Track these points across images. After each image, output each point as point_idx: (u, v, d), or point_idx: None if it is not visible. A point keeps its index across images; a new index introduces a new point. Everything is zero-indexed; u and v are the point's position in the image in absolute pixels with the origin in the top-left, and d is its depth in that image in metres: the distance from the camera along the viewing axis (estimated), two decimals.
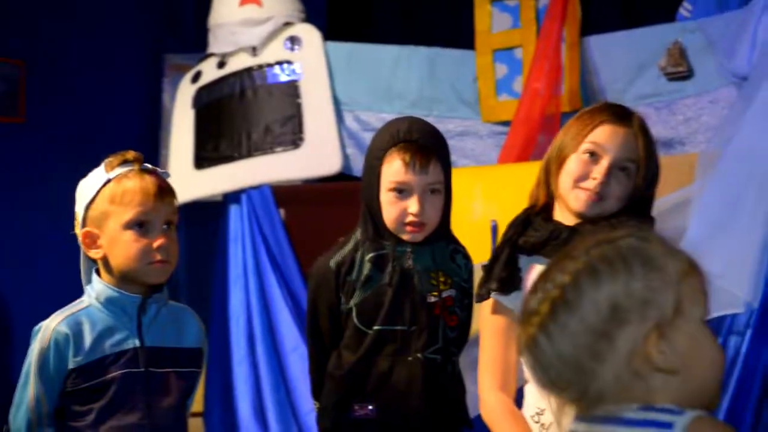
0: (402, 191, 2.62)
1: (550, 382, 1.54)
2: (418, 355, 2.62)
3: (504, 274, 2.53)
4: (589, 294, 1.49)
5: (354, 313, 2.66)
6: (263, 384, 4.08)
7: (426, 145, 2.64)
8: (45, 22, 5.36)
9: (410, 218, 2.62)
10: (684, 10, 4.66)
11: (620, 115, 2.57)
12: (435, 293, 2.66)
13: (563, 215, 2.54)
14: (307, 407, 3.87)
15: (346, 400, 2.66)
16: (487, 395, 2.55)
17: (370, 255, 2.67)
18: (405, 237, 2.65)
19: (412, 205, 2.61)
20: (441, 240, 2.72)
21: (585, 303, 1.49)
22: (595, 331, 1.49)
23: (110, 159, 2.61)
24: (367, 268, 2.66)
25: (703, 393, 1.48)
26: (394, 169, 2.62)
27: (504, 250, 2.55)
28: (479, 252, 3.75)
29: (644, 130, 2.58)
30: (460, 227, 3.87)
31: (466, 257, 2.78)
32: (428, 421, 2.64)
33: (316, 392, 2.73)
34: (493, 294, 2.53)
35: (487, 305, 2.55)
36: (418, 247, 2.67)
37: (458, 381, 2.73)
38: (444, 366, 2.66)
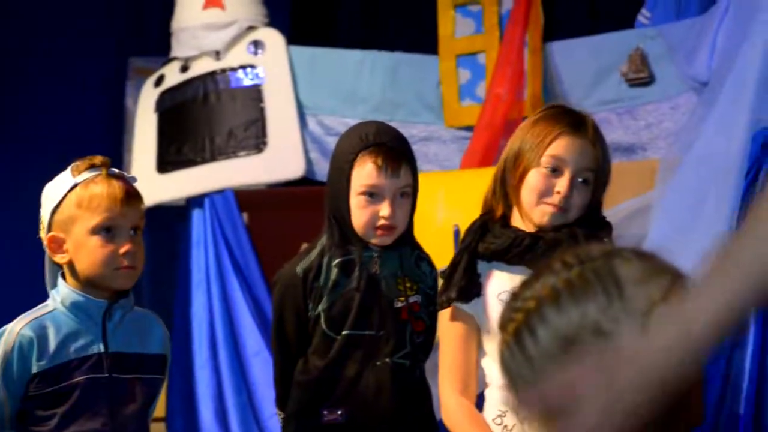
0: (373, 195, 2.60)
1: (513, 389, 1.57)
2: (387, 360, 2.62)
3: (463, 282, 2.52)
4: (548, 321, 1.51)
5: (322, 319, 2.63)
6: (225, 388, 4.06)
7: (396, 149, 2.63)
8: (9, 23, 5.34)
9: (381, 222, 2.60)
10: (642, 17, 4.70)
11: (576, 124, 2.57)
12: (402, 298, 2.65)
13: (522, 222, 2.55)
14: (269, 411, 3.85)
15: (314, 405, 2.63)
16: (448, 399, 2.55)
17: (337, 260, 2.64)
18: (374, 241, 2.63)
19: (384, 208, 2.59)
20: (407, 245, 2.71)
21: (541, 331, 1.51)
22: (549, 357, 1.52)
23: (77, 163, 2.60)
24: (334, 273, 2.64)
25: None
26: (366, 172, 2.59)
27: (463, 257, 2.55)
28: (442, 257, 3.75)
29: (599, 136, 2.59)
30: (424, 232, 3.87)
31: (431, 264, 2.77)
32: (397, 425, 2.63)
33: (281, 402, 2.71)
34: (453, 303, 2.53)
35: (446, 312, 2.55)
36: (384, 252, 2.66)
37: (425, 385, 2.72)
38: (412, 370, 2.66)
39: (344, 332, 2.62)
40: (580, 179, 2.53)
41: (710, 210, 3.22)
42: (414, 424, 2.68)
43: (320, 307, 2.64)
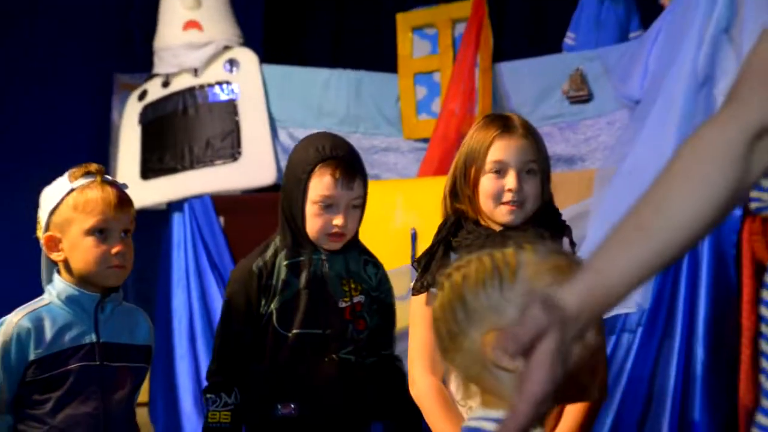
0: (329, 205, 2.59)
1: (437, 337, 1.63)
2: (333, 356, 2.61)
3: (439, 270, 2.52)
4: (465, 299, 1.56)
5: (274, 317, 2.62)
6: (203, 377, 4.03)
7: (351, 163, 2.63)
8: (4, 41, 5.31)
9: (335, 230, 2.60)
10: (568, 39, 4.77)
11: (506, 126, 2.57)
12: (346, 299, 2.64)
13: (489, 223, 2.55)
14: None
15: (268, 400, 2.61)
16: (418, 378, 2.52)
17: (287, 261, 2.64)
18: (325, 246, 2.62)
19: (338, 218, 2.59)
20: (353, 249, 2.70)
21: (458, 306, 1.56)
22: (463, 327, 1.57)
23: (74, 170, 2.61)
24: (283, 273, 2.62)
25: None
26: (323, 184, 2.58)
27: (439, 248, 2.53)
28: (400, 256, 3.79)
29: (529, 128, 2.59)
30: (383, 234, 3.90)
31: (377, 266, 2.76)
32: (345, 416, 2.63)
33: (212, 387, 2.64)
34: (431, 289, 2.47)
35: (420, 297, 2.52)
36: (331, 255, 2.65)
37: (374, 379, 2.70)
38: (358, 365, 2.65)
39: (294, 331, 2.60)
40: (524, 171, 2.56)
41: None
42: (359, 415, 2.66)
43: (273, 306, 2.62)
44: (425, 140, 4.32)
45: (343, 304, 2.64)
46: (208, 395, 2.63)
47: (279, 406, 2.60)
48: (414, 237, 3.82)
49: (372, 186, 4.17)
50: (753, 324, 2.96)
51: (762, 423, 1.33)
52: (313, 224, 2.61)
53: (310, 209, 2.60)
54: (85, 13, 5.57)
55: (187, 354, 4.11)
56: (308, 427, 2.60)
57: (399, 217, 3.94)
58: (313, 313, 2.61)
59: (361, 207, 2.65)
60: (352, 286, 2.67)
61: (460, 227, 2.57)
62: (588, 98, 4.16)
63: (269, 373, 2.62)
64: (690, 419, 3.21)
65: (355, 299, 2.66)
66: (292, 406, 2.60)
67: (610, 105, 4.09)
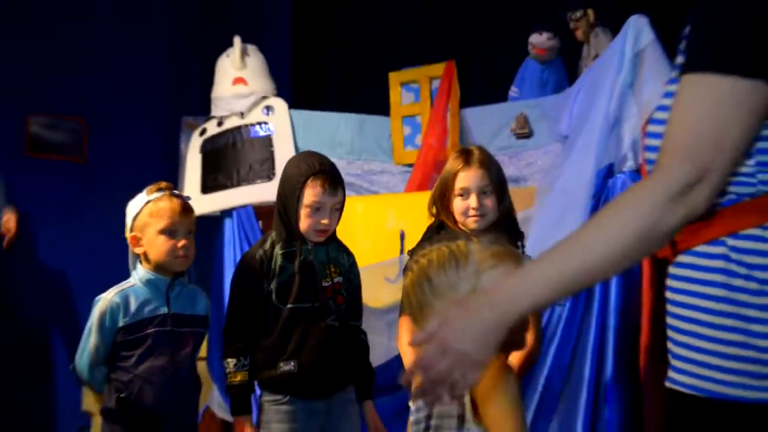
0: (318, 209, 2.55)
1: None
2: (321, 323, 2.57)
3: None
4: (430, 277, 1.58)
5: (273, 295, 2.56)
6: None
7: (335, 175, 2.59)
8: (98, 92, 5.33)
9: (322, 227, 2.57)
10: (512, 92, 4.79)
11: (467, 159, 2.60)
12: (328, 279, 2.60)
13: (463, 228, 2.58)
14: None
15: (272, 360, 2.56)
16: (403, 335, 2.51)
17: (282, 251, 2.58)
18: (313, 239, 2.58)
19: (325, 219, 2.56)
20: (333, 241, 2.66)
21: (425, 283, 1.59)
22: (428, 299, 1.58)
23: (150, 187, 2.64)
24: (280, 259, 2.57)
25: None
26: (315, 192, 2.54)
27: (425, 243, 2.53)
28: (391, 251, 3.79)
29: (485, 158, 2.61)
30: (379, 235, 3.90)
31: (349, 255, 2.71)
32: (333, 372, 2.58)
33: (228, 353, 2.57)
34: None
35: None
36: (316, 246, 2.61)
37: (353, 343, 2.65)
38: (342, 329, 2.61)
39: (289, 305, 2.55)
40: (482, 192, 2.58)
41: (569, 223, 3.21)
42: (343, 370, 2.61)
43: (272, 285, 2.56)
44: (410, 165, 4.31)
45: (325, 284, 2.59)
46: (228, 359, 2.56)
47: (281, 364, 2.55)
48: (402, 237, 3.82)
49: (370, 199, 4.18)
50: (650, 300, 2.95)
51: (672, 377, 1.34)
52: (305, 223, 2.56)
53: (303, 212, 2.55)
54: (162, 72, 5.61)
55: None
56: (305, 378, 2.56)
57: (390, 222, 3.93)
58: (303, 291, 2.56)
59: (341, 209, 2.61)
60: (332, 269, 2.62)
61: (441, 229, 2.59)
62: (529, 135, 4.16)
63: (273, 338, 2.56)
64: (604, 370, 3.20)
65: (335, 279, 2.62)
66: (292, 363, 2.55)
67: (545, 139, 4.09)
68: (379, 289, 3.53)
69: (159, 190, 2.61)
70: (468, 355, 1.25)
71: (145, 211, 2.58)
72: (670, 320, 1.35)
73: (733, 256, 1.26)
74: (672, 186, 1.22)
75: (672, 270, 1.36)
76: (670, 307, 1.35)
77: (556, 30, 4.83)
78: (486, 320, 1.26)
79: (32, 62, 5.14)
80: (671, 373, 1.33)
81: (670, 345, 1.35)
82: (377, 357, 3.05)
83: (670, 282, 1.36)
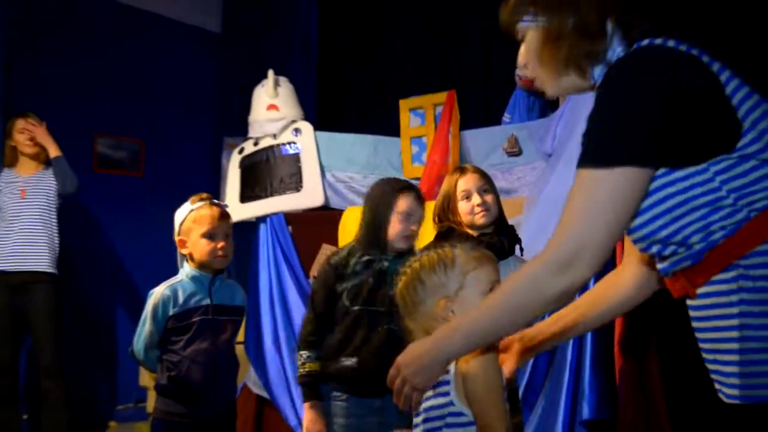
0: (409, 215, 2.50)
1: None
2: (385, 327, 2.50)
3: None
4: (421, 278, 1.57)
5: (345, 295, 2.52)
6: (279, 327, 4.02)
7: (419, 193, 2.58)
8: (153, 117, 5.36)
9: (410, 233, 2.51)
10: (505, 118, 4.77)
11: (463, 170, 2.62)
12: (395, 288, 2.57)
13: (469, 232, 2.56)
14: None
15: (336, 355, 2.51)
16: None
17: (360, 259, 2.53)
18: (399, 246, 2.50)
19: (414, 226, 2.51)
20: (406, 255, 2.59)
21: (417, 283, 1.57)
22: (420, 298, 1.56)
23: (193, 197, 2.64)
24: (356, 265, 2.52)
25: None
26: (408, 201, 2.51)
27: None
28: None
29: (477, 169, 2.63)
30: None
31: None
32: (387, 371, 2.55)
33: (302, 345, 2.55)
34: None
35: None
36: (392, 258, 2.53)
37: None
38: (399, 334, 2.55)
39: (357, 307, 2.50)
40: (482, 191, 2.56)
41: (553, 228, 3.17)
42: None
43: (344, 287, 2.52)
44: (417, 179, 4.26)
45: (391, 292, 2.53)
46: (302, 352, 2.52)
47: (343, 359, 2.51)
48: None
49: None
50: None
51: (730, 393, 1.28)
52: (396, 229, 2.50)
53: (395, 218, 2.49)
54: (208, 100, 5.63)
55: (268, 312, 4.07)
56: (363, 374, 2.50)
57: None
58: (372, 296, 2.50)
59: (420, 226, 2.55)
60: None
61: (449, 234, 2.55)
62: (519, 153, 4.13)
63: (340, 336, 2.51)
64: (584, 352, 3.16)
65: None
66: (354, 359, 2.50)
67: (533, 157, 4.06)
68: None
69: (201, 199, 2.61)
70: (419, 383, 1.47)
71: (189, 218, 2.57)
72: (707, 347, 1.30)
73: (750, 273, 1.22)
74: (550, 263, 1.29)
75: (694, 302, 1.31)
76: (703, 337, 1.30)
77: None
78: (426, 363, 1.44)
79: (99, 91, 5.20)
80: (728, 390, 1.26)
81: (716, 366, 1.29)
82: None
83: (695, 314, 1.32)
